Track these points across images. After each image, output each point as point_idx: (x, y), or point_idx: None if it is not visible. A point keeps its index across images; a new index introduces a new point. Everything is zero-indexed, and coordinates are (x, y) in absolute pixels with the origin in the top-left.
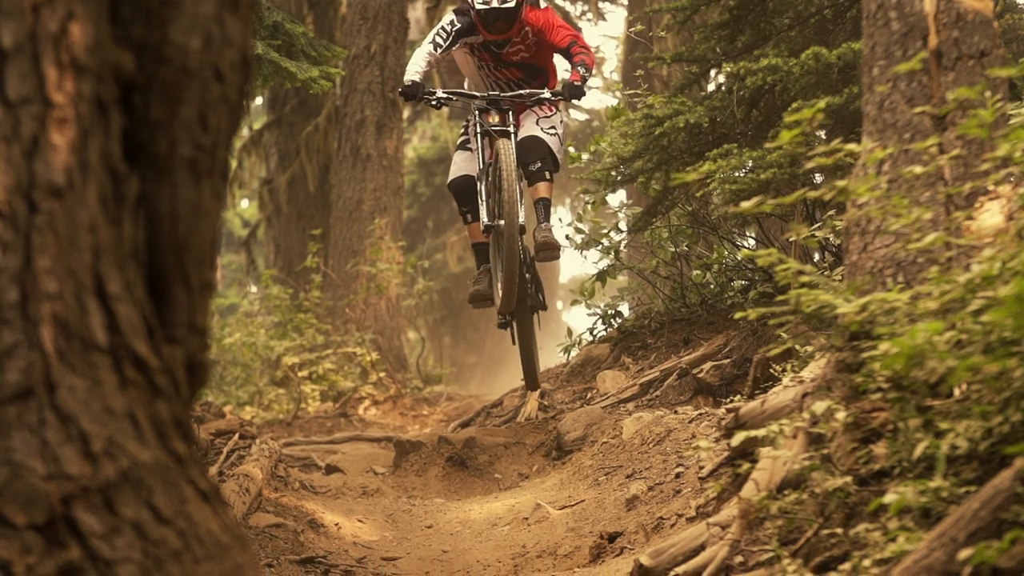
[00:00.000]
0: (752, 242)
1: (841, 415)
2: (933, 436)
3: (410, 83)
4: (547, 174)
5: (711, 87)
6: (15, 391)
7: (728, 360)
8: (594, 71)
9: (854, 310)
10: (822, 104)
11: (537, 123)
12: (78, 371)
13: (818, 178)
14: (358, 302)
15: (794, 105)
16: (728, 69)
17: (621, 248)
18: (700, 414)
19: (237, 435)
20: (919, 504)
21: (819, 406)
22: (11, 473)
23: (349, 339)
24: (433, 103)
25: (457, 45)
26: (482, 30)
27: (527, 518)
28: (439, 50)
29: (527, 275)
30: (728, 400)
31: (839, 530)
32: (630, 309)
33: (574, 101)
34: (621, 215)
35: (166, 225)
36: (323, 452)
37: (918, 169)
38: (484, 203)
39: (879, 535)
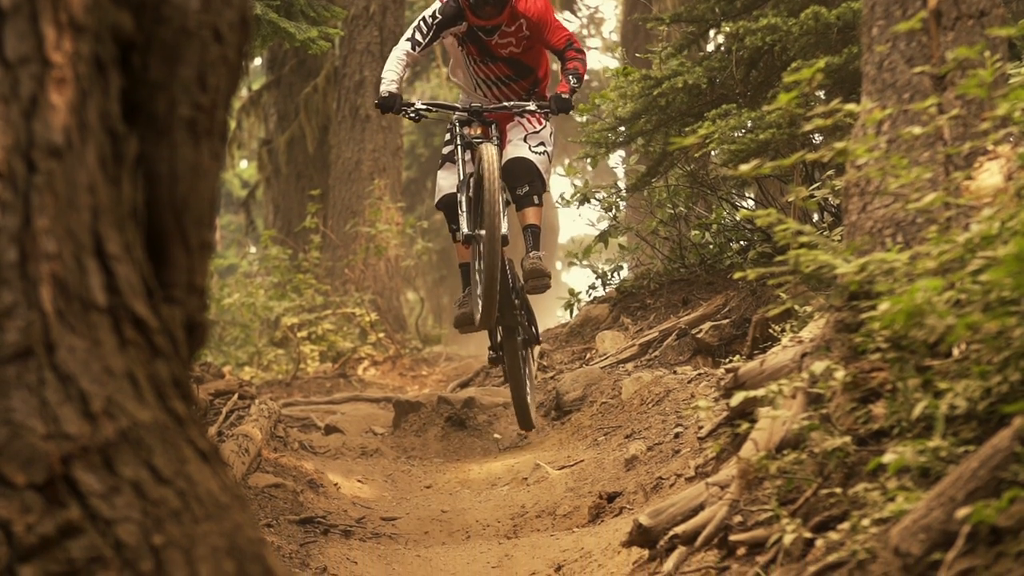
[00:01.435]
0: (751, 202)
1: (840, 375)
2: (932, 396)
3: (387, 94)
4: (535, 199)
5: (710, 47)
6: (14, 351)
7: (727, 320)
8: (585, 76)
9: (853, 270)
10: (821, 64)
11: (525, 139)
12: (77, 331)
13: (817, 139)
14: (357, 263)
15: (793, 65)
16: (727, 29)
17: (620, 206)
18: (699, 374)
19: (236, 395)
20: (918, 464)
21: (818, 366)
22: (10, 433)
23: (348, 300)
24: (411, 116)
25: (440, 39)
26: (469, 15)
27: (526, 478)
28: (418, 48)
29: (516, 302)
30: (727, 360)
31: (838, 490)
32: (629, 270)
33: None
34: (621, 169)
35: (165, 185)
36: (322, 412)
37: (917, 129)
38: (464, 214)
39: (878, 495)
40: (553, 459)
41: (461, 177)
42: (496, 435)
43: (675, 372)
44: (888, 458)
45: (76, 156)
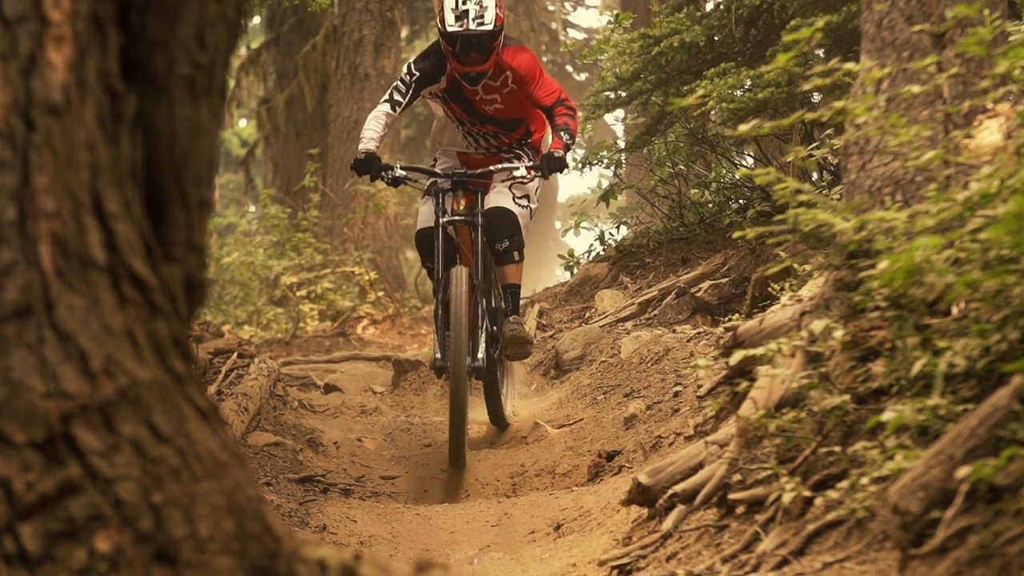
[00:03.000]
0: (750, 161)
1: (839, 333)
2: (931, 354)
3: (363, 155)
4: (516, 255)
5: (709, 6)
6: (14, 309)
7: (726, 279)
8: (578, 135)
9: (852, 228)
10: (820, 23)
11: (511, 188)
12: (76, 289)
13: (816, 97)
14: (356, 221)
15: (792, 23)
16: None
17: (622, 161)
18: (698, 333)
19: (236, 354)
20: (917, 422)
21: (817, 324)
22: (10, 391)
23: (347, 258)
24: (389, 181)
25: (420, 96)
26: (453, 61)
27: (525, 437)
28: (398, 108)
29: (495, 372)
30: (726, 319)
31: (837, 448)
32: (629, 228)
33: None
34: (620, 127)
35: (164, 144)
36: (321, 371)
37: (916, 88)
38: (437, 333)
39: (877, 453)
40: (552, 418)
41: (439, 275)
42: None
43: (674, 331)
44: (887, 416)
45: (75, 114)
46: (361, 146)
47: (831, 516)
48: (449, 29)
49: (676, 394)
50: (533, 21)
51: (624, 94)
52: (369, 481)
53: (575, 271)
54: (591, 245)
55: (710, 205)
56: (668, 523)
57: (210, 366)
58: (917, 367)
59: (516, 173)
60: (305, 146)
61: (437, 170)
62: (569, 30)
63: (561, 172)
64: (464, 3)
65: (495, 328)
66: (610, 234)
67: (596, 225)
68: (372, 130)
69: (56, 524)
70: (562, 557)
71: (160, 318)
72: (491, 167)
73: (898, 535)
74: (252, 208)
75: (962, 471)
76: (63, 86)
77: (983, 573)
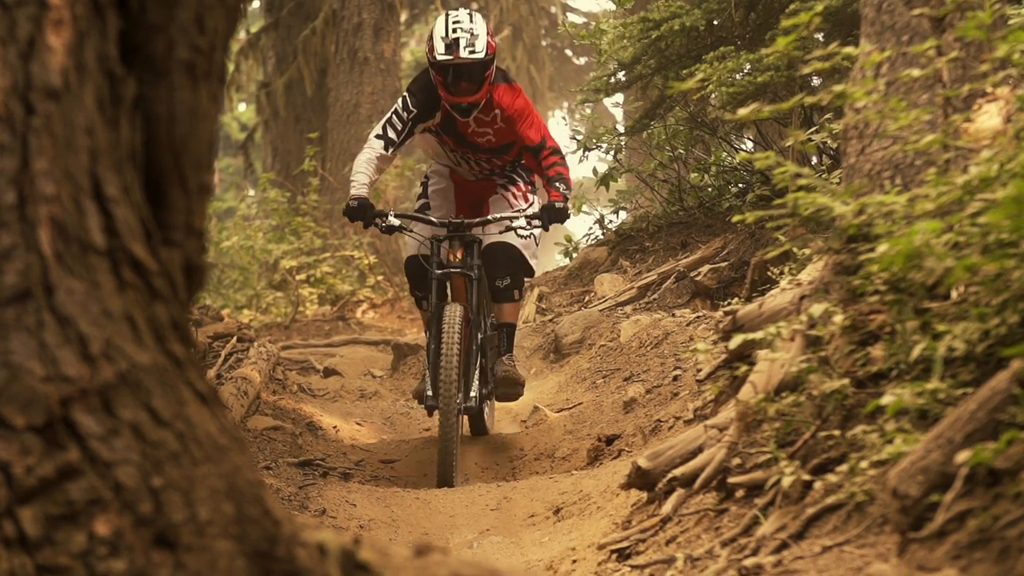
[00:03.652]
0: (749, 145)
1: (839, 317)
2: (930, 338)
3: (355, 203)
4: (516, 293)
5: None
6: (13, 293)
7: (726, 263)
8: (572, 184)
9: (852, 212)
10: (820, 7)
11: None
12: (76, 273)
13: (816, 81)
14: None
15: (791, 7)
16: None
17: (622, 145)
18: (698, 317)
19: (235, 338)
20: (916, 406)
21: (817, 308)
22: (9, 375)
23: (347, 242)
24: (383, 228)
25: (415, 134)
26: (444, 93)
27: (525, 421)
28: (392, 148)
29: (483, 408)
30: (725, 303)
31: (836, 432)
32: (628, 212)
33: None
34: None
35: (163, 128)
36: (321, 355)
37: (916, 72)
38: (429, 370)
39: (876, 437)
40: (552, 401)
41: (432, 329)
42: None
43: (674, 315)
44: (886, 400)
45: (74, 98)
46: (353, 191)
47: (830, 500)
48: (439, 58)
49: (675, 378)
50: (532, 5)
51: (624, 78)
52: (369, 465)
53: (574, 256)
54: (590, 229)
55: (709, 189)
56: (667, 507)
57: (209, 350)
58: (916, 351)
59: (515, 223)
60: (304, 130)
61: (430, 216)
62: (569, 14)
63: (562, 223)
64: (454, 32)
65: (484, 361)
66: (610, 220)
67: (596, 209)
68: (363, 174)
69: (56, 508)
70: (561, 541)
71: (160, 302)
72: (489, 217)
73: (897, 519)
74: (251, 192)
75: (961, 455)
76: (62, 70)
77: (982, 556)
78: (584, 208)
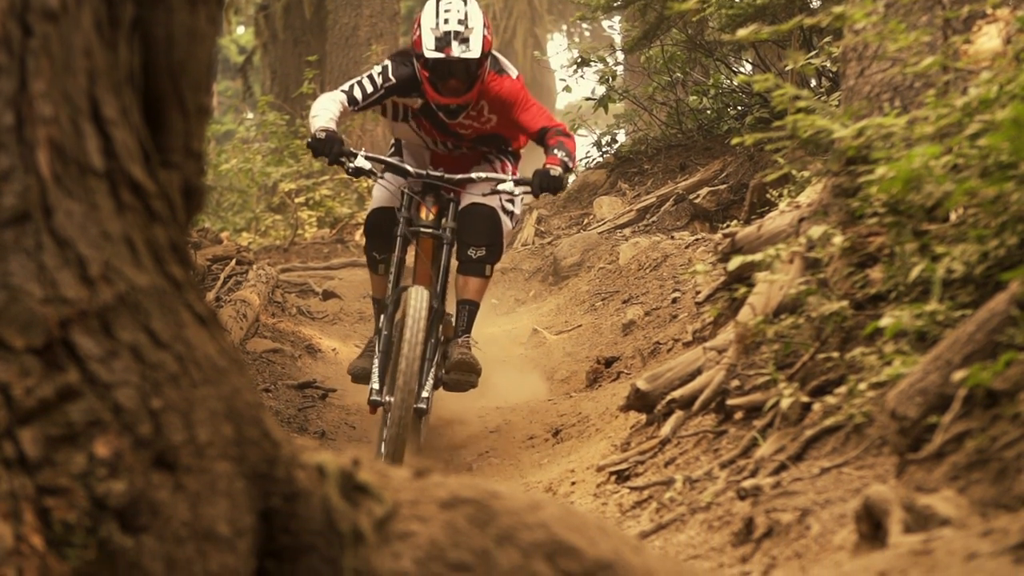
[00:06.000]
0: (748, 67)
1: (838, 239)
2: (929, 260)
3: (322, 133)
4: (487, 269)
5: None
6: (12, 215)
7: (724, 185)
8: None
9: (851, 135)
10: None
11: (495, 192)
12: (75, 195)
13: (815, 3)
14: (354, 128)
15: None
16: None
17: (618, 72)
18: (696, 239)
19: (234, 261)
20: (915, 328)
21: (816, 231)
22: (9, 297)
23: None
24: (349, 170)
25: (384, 103)
26: (428, 90)
27: (524, 343)
28: (355, 106)
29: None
30: (724, 225)
31: (835, 354)
32: (627, 135)
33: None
34: (618, 36)
35: (162, 49)
36: (320, 278)
37: None
38: (377, 364)
39: (875, 359)
40: (551, 324)
41: (390, 287)
42: (493, 300)
43: (672, 237)
44: (885, 322)
45: (72, 19)
46: (317, 124)
47: (829, 422)
48: (428, 55)
49: (674, 300)
50: None
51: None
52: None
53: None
54: (587, 152)
55: (708, 112)
56: (666, 429)
57: (208, 272)
58: (915, 273)
59: (502, 186)
60: (303, 53)
61: (405, 164)
62: None
63: (554, 193)
64: (446, 22)
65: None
66: (607, 143)
67: (594, 131)
68: (327, 110)
69: (55, 429)
70: (560, 463)
71: (158, 224)
72: (473, 175)
73: (896, 440)
74: (250, 115)
75: (960, 376)
76: None
77: (980, 477)
78: (582, 131)
